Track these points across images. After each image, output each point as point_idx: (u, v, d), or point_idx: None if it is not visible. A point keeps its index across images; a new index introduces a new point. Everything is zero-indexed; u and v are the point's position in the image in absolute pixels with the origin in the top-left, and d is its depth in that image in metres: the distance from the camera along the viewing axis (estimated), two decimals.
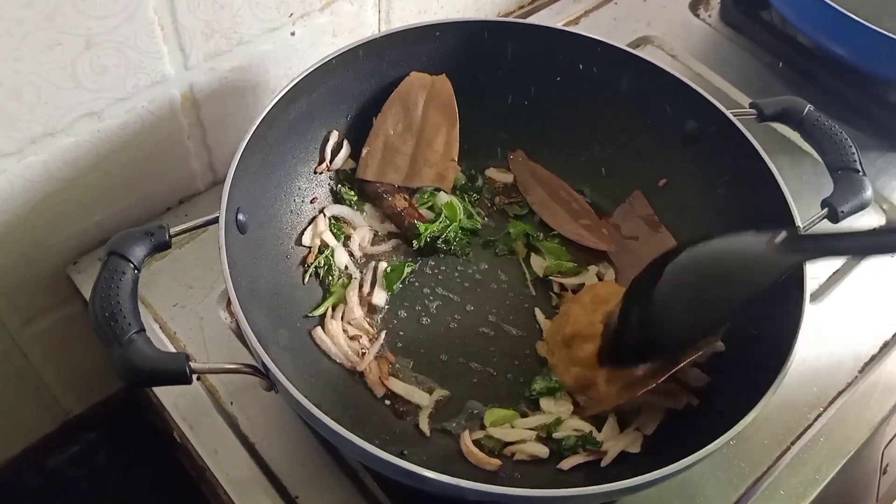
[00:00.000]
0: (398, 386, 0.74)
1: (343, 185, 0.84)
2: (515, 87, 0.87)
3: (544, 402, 0.74)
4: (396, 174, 0.84)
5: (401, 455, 0.60)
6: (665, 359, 0.67)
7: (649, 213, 0.85)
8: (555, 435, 0.72)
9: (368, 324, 0.78)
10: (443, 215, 0.83)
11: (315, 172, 0.81)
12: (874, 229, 0.59)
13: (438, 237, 0.82)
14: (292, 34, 0.84)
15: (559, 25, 0.91)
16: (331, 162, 0.82)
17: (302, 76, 0.75)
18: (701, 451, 0.58)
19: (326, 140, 0.82)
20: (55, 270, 0.82)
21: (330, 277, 0.79)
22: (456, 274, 0.83)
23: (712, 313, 0.65)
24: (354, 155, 0.84)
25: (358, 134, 0.84)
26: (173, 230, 0.64)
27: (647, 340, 0.67)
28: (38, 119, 0.70)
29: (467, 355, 0.77)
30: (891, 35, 0.88)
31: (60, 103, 0.70)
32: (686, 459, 0.57)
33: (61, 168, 0.75)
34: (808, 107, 0.77)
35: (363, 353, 0.75)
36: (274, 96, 0.73)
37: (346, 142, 0.83)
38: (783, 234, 0.60)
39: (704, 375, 0.73)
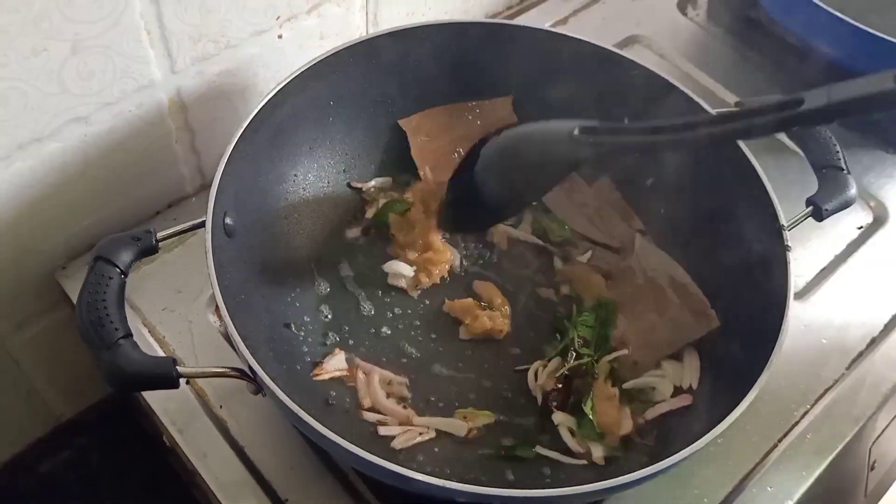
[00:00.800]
0: (431, 422, 0.73)
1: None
2: (503, 89, 0.87)
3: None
4: None
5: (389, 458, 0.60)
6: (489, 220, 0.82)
7: (616, 197, 0.87)
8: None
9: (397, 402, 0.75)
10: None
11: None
12: (656, 124, 0.67)
13: None
14: (279, 37, 0.84)
15: (547, 26, 0.92)
16: None
17: (289, 79, 0.75)
18: (688, 449, 0.58)
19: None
20: (44, 275, 0.82)
21: None
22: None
23: (524, 187, 0.76)
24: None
25: (345, 137, 0.84)
26: (160, 234, 0.64)
27: (473, 208, 0.78)
28: (24, 125, 0.70)
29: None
30: (877, 33, 0.88)
31: (47, 109, 0.70)
32: (673, 457, 0.58)
33: (49, 173, 0.75)
34: None
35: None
36: (261, 99, 0.73)
37: None
38: (578, 127, 0.67)
39: (697, 376, 0.73)
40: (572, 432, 0.72)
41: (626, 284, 0.81)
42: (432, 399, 0.75)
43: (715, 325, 0.74)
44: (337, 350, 0.76)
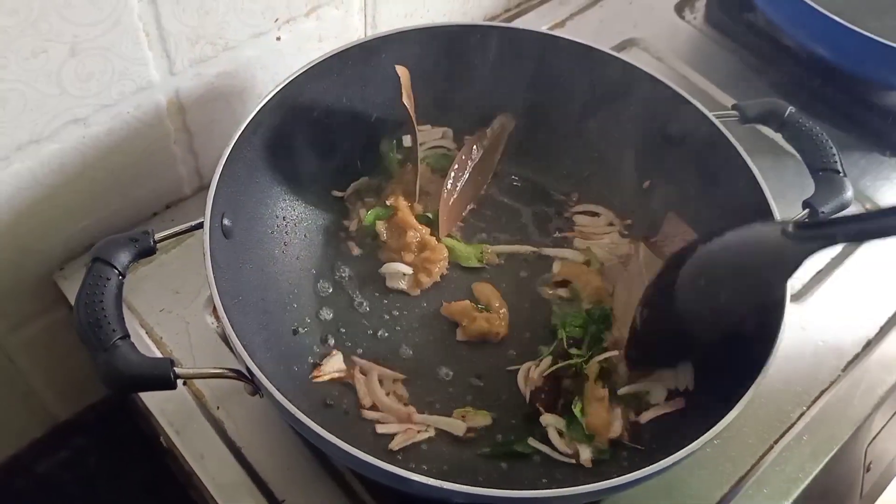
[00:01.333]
0: (430, 419, 0.73)
1: None
2: (501, 91, 0.87)
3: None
4: None
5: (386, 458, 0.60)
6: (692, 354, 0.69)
7: (685, 230, 0.80)
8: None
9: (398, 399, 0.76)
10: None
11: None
12: (885, 209, 0.59)
13: None
14: (278, 39, 0.84)
15: (544, 29, 0.92)
16: None
17: (288, 81, 0.75)
18: (684, 450, 0.58)
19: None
20: (42, 276, 0.82)
21: None
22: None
23: (735, 307, 0.64)
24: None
25: (343, 139, 0.84)
26: (158, 236, 0.65)
27: (674, 340, 0.68)
28: (23, 126, 0.70)
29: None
30: (874, 37, 0.89)
31: (46, 110, 0.70)
32: (670, 458, 0.58)
33: (47, 174, 0.75)
34: (790, 109, 0.77)
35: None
36: (260, 101, 0.73)
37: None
38: (792, 223, 0.59)
39: (691, 378, 0.73)
40: (560, 433, 0.72)
41: (625, 288, 0.81)
42: (429, 400, 0.75)
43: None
44: (335, 351, 0.76)
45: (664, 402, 0.73)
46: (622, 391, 0.74)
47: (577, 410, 0.72)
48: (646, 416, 0.72)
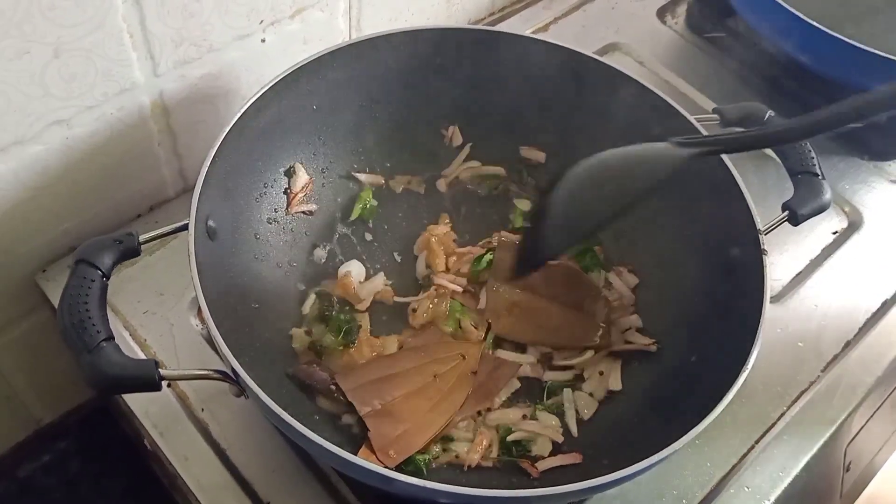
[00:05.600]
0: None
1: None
2: (484, 95, 0.88)
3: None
4: None
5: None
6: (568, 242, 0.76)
7: None
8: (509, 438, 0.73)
9: None
10: None
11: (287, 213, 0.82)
12: (752, 129, 0.72)
13: None
14: (263, 41, 0.84)
15: (528, 33, 0.92)
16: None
17: (273, 83, 0.75)
18: (666, 450, 0.59)
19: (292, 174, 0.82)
20: (24, 278, 0.82)
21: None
22: None
23: (614, 203, 0.71)
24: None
25: (328, 141, 0.84)
26: (142, 237, 0.64)
27: (555, 235, 0.72)
28: (6, 127, 0.70)
29: None
30: (852, 42, 0.90)
31: (29, 111, 0.70)
32: (650, 459, 0.58)
33: (30, 176, 0.75)
34: (769, 112, 0.78)
35: None
36: (244, 103, 0.73)
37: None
38: (677, 138, 0.70)
39: (618, 379, 0.76)
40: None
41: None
42: None
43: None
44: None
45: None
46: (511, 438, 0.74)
47: None
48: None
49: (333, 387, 0.72)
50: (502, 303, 0.80)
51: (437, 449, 0.72)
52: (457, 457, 0.72)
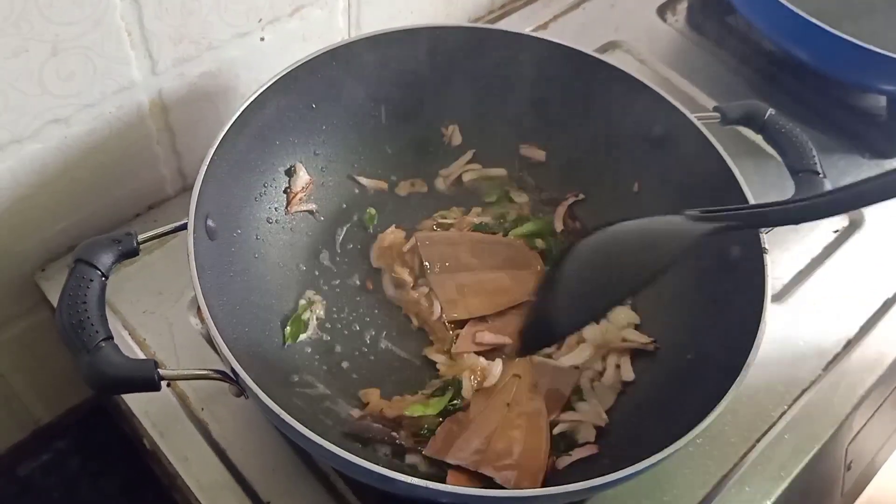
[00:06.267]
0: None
1: None
2: (484, 94, 0.88)
3: None
4: None
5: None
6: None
7: None
8: None
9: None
10: None
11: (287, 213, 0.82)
12: (778, 201, 0.65)
13: None
14: (262, 39, 0.84)
15: (528, 31, 0.92)
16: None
17: (272, 81, 0.75)
18: (667, 449, 0.58)
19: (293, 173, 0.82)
20: (23, 278, 0.81)
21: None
22: None
23: (627, 281, 0.67)
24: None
25: (327, 140, 0.84)
26: (141, 237, 0.64)
27: (565, 314, 0.69)
28: (4, 126, 0.69)
29: None
30: (851, 39, 0.90)
31: (27, 110, 0.70)
32: (651, 458, 0.58)
33: (28, 175, 0.74)
34: (770, 110, 0.78)
35: None
36: (244, 101, 0.73)
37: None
38: (695, 211, 0.65)
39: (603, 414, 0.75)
40: None
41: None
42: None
43: None
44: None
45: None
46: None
47: None
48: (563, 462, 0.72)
49: (393, 436, 0.72)
50: (450, 288, 0.81)
51: None
52: None
